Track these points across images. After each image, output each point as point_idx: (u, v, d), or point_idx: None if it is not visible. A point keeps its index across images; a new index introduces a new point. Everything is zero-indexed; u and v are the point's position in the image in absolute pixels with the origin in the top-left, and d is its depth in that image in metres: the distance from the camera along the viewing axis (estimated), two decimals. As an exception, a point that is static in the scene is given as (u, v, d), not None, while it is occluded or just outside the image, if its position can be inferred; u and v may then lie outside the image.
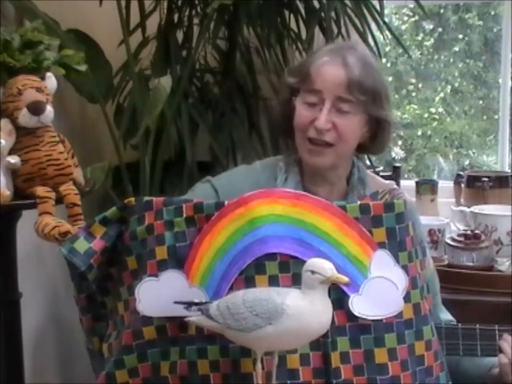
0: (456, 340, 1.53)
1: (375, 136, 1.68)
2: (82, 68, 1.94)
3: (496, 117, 3.39)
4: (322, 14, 2.66)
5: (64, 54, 1.91)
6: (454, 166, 3.57)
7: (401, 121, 3.63)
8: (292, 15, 2.76)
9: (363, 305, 1.34)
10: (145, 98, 2.49)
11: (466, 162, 3.57)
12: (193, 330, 1.36)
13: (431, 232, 2.66)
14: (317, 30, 2.73)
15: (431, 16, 3.47)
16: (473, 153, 3.58)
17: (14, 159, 1.72)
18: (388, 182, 1.79)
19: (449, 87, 3.56)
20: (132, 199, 1.46)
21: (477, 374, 1.60)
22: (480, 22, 3.49)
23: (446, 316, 1.67)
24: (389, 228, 1.37)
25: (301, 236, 1.36)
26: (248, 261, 1.35)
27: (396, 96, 3.64)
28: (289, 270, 1.35)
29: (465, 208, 2.75)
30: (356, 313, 1.33)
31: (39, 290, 2.53)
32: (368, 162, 2.97)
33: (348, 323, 1.34)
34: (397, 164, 3.27)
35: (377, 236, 1.37)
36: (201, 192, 1.67)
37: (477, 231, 2.56)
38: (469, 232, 2.57)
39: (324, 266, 1.23)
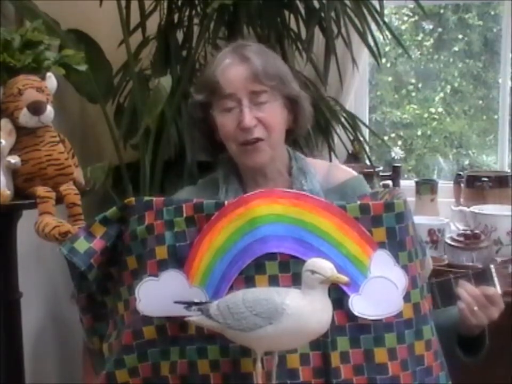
0: None
1: (297, 115, 1.70)
2: (82, 67, 1.94)
3: (496, 117, 3.40)
4: (322, 14, 2.67)
5: (64, 54, 1.92)
6: (453, 166, 3.57)
7: (401, 121, 3.63)
8: (292, 15, 2.76)
9: (363, 305, 1.34)
10: (145, 98, 2.50)
11: (466, 162, 3.57)
12: (193, 330, 1.36)
13: (431, 232, 2.66)
14: (317, 30, 2.73)
15: (431, 16, 3.48)
16: (473, 153, 3.59)
17: (14, 159, 1.73)
18: (330, 163, 1.80)
19: (449, 87, 3.56)
20: (132, 199, 1.46)
21: (448, 326, 1.60)
22: (480, 22, 3.49)
23: None
24: (389, 228, 1.37)
25: (301, 235, 1.36)
26: (248, 260, 1.35)
27: (396, 96, 3.65)
28: (289, 270, 1.35)
29: (465, 208, 2.76)
30: (356, 313, 1.33)
31: (39, 290, 2.53)
32: (367, 162, 2.98)
33: (347, 323, 1.34)
34: (397, 164, 3.28)
35: (377, 235, 1.37)
36: None
37: (476, 231, 2.56)
38: (468, 232, 2.58)
39: (323, 266, 1.23)
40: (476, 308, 1.56)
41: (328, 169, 1.75)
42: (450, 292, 1.58)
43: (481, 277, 1.60)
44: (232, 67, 1.64)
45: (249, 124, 1.62)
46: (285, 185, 1.68)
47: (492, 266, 1.60)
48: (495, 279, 1.59)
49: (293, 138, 1.77)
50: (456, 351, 1.61)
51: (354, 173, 1.77)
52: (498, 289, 1.58)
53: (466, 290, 1.58)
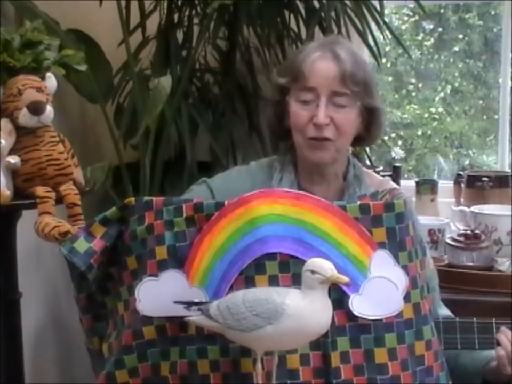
0: (454, 334, 1.53)
1: (369, 126, 1.69)
2: (82, 67, 1.94)
3: (496, 117, 3.39)
4: (322, 14, 2.67)
5: (64, 54, 1.91)
6: (454, 166, 3.57)
7: (401, 121, 3.63)
8: (292, 15, 2.76)
9: (363, 305, 1.34)
10: (145, 98, 2.50)
11: (466, 162, 3.57)
12: (193, 330, 1.36)
13: (431, 232, 2.66)
14: (317, 30, 2.73)
15: (431, 16, 3.47)
16: (473, 153, 3.58)
17: (14, 159, 1.72)
18: (383, 178, 1.80)
19: (449, 87, 3.56)
20: (132, 199, 1.46)
21: (475, 368, 1.60)
22: (480, 22, 3.49)
23: (444, 311, 1.67)
24: (389, 228, 1.37)
25: (301, 235, 1.36)
26: (248, 260, 1.35)
27: (396, 96, 3.64)
28: (289, 270, 1.35)
29: (465, 208, 2.75)
30: (356, 313, 1.33)
31: (39, 290, 2.53)
32: (368, 162, 2.98)
33: (347, 323, 1.34)
34: (397, 164, 3.27)
35: (377, 235, 1.37)
36: (197, 193, 1.67)
37: (477, 231, 2.56)
38: (469, 232, 2.57)
39: (323, 266, 1.23)
40: None
41: (380, 183, 1.74)
42: (490, 336, 1.56)
43: None
44: (321, 62, 1.63)
45: (323, 121, 1.61)
46: (338, 188, 1.69)
47: None
48: None
49: (359, 146, 1.76)
50: None
51: (401, 191, 1.77)
52: None
53: (508, 337, 1.55)
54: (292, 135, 1.68)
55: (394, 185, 1.79)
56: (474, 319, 1.56)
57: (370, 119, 1.68)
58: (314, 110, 1.62)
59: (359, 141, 1.72)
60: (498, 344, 1.55)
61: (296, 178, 1.70)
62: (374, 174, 1.82)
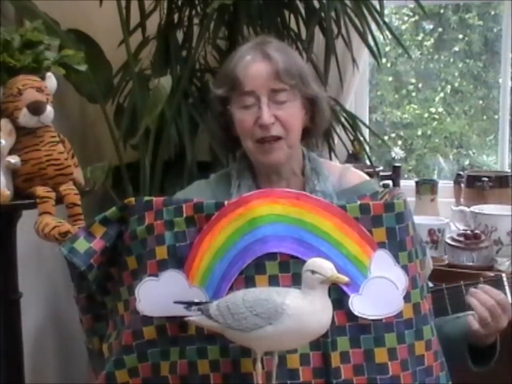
0: None
1: (314, 116, 1.70)
2: (82, 67, 1.95)
3: (496, 117, 3.40)
4: (322, 14, 2.67)
5: (64, 54, 1.92)
6: (454, 166, 3.57)
7: (401, 121, 3.63)
8: (292, 15, 2.76)
9: (363, 305, 1.33)
10: (145, 98, 2.50)
11: (466, 162, 3.58)
12: (193, 330, 1.36)
13: (431, 232, 2.66)
14: (317, 30, 2.73)
15: (431, 16, 3.48)
16: (473, 153, 3.59)
17: (14, 159, 1.73)
18: (344, 165, 1.80)
19: (449, 87, 3.56)
20: (132, 199, 1.46)
21: (458, 334, 1.60)
22: (480, 22, 3.49)
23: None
24: (389, 228, 1.37)
25: (301, 235, 1.36)
26: (248, 260, 1.35)
27: (396, 96, 3.65)
28: (289, 270, 1.34)
29: (465, 208, 2.76)
30: (356, 313, 1.33)
31: (39, 290, 2.53)
32: (368, 162, 2.98)
33: (347, 323, 1.34)
34: (397, 164, 3.28)
35: (377, 235, 1.37)
36: None
37: (477, 231, 2.56)
38: (469, 232, 2.58)
39: (324, 266, 1.23)
40: (488, 318, 1.53)
41: (341, 171, 1.74)
42: (461, 299, 1.57)
43: (493, 285, 1.58)
44: (254, 64, 1.63)
45: (268, 121, 1.61)
46: (298, 185, 1.68)
47: (503, 274, 1.59)
48: (507, 287, 1.57)
49: (309, 138, 1.76)
50: (468, 363, 1.59)
51: (367, 177, 1.77)
52: (509, 298, 1.56)
53: (479, 299, 1.55)
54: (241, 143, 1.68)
55: (357, 171, 1.79)
56: (444, 285, 1.57)
57: (313, 109, 1.69)
58: (258, 112, 1.62)
59: (308, 133, 1.72)
60: (470, 306, 1.55)
61: (255, 181, 1.71)
62: (332, 163, 1.82)
